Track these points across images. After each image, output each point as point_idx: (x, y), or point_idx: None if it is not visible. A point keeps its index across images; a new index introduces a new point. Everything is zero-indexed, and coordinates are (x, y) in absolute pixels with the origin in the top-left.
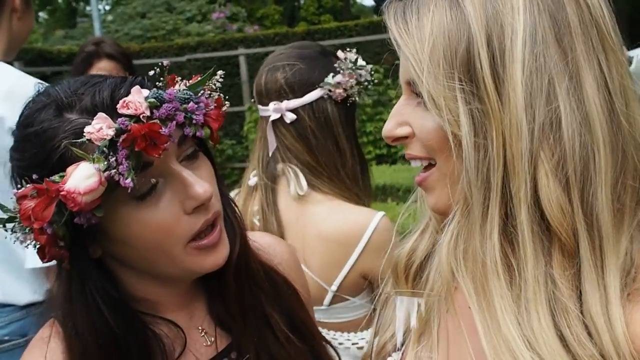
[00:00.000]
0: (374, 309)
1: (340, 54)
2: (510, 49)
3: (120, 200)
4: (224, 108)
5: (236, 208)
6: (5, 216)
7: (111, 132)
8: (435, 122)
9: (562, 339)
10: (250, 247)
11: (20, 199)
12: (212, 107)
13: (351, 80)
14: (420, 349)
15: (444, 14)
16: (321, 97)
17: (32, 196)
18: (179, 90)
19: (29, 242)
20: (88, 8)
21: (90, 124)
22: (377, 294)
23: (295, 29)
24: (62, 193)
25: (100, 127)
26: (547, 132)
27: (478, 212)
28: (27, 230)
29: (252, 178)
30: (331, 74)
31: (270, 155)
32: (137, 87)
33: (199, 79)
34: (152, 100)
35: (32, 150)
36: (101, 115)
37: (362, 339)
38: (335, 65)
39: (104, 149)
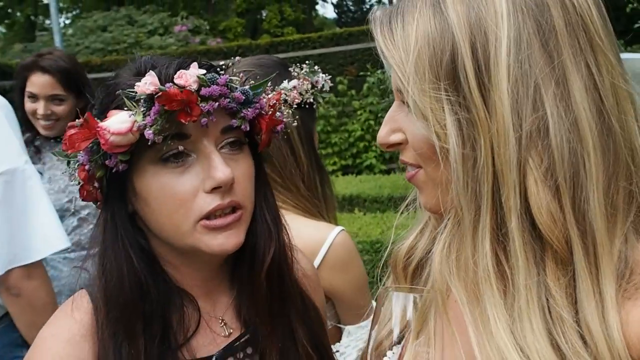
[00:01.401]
0: (374, 306)
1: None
2: (495, 56)
3: (150, 158)
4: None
5: (283, 219)
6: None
7: (152, 88)
8: (425, 131)
9: (555, 347)
10: (289, 261)
11: (69, 128)
12: (269, 111)
13: (306, 84)
14: (418, 344)
15: (428, 23)
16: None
17: (77, 127)
18: (231, 80)
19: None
20: (47, 22)
21: (133, 90)
22: (377, 288)
23: (259, 41)
24: (97, 128)
25: (146, 82)
26: (535, 139)
27: (469, 221)
28: (76, 166)
29: None
30: (286, 80)
31: None
32: (196, 63)
33: (262, 81)
34: (203, 77)
35: (105, 98)
36: (152, 73)
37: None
38: (290, 69)
39: (142, 99)
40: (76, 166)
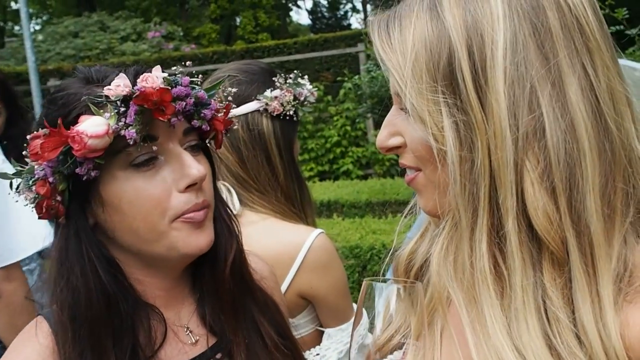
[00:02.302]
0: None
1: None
2: (491, 58)
3: (120, 164)
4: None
5: (232, 214)
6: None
7: (127, 90)
8: (423, 133)
9: (551, 348)
10: (245, 254)
11: (32, 139)
12: (221, 112)
13: (288, 95)
14: (417, 344)
15: (425, 26)
16: (257, 110)
17: (45, 135)
18: (192, 81)
19: (30, 196)
20: (17, 28)
21: (101, 96)
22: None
23: (234, 47)
24: (71, 134)
25: (118, 84)
26: (532, 141)
27: (466, 223)
28: (30, 183)
29: None
30: (270, 89)
31: None
32: (158, 66)
33: (214, 84)
34: (168, 78)
35: (55, 110)
36: (122, 75)
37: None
38: (275, 79)
39: (117, 102)
40: (31, 182)
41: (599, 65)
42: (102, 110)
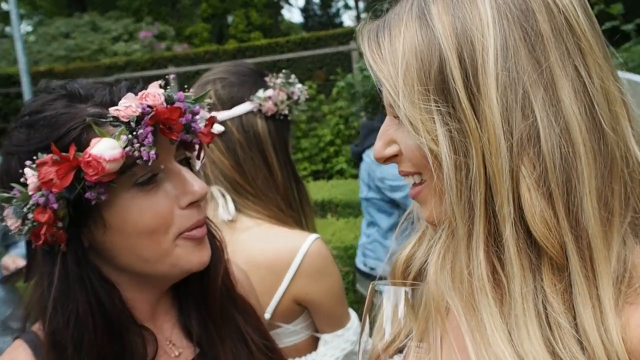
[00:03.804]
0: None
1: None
2: (482, 65)
3: (123, 185)
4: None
5: (215, 226)
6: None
7: (140, 110)
8: (417, 142)
9: (553, 354)
10: (230, 265)
11: (40, 165)
12: (203, 124)
13: (282, 95)
14: (419, 351)
15: (414, 35)
16: (251, 111)
17: (55, 162)
18: (187, 96)
19: (24, 225)
20: (7, 29)
21: (105, 114)
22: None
23: (226, 46)
24: (86, 159)
25: (129, 105)
26: (526, 146)
27: (463, 230)
28: (26, 210)
29: None
30: (262, 89)
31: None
32: (156, 83)
33: (200, 94)
34: (168, 95)
35: (41, 134)
36: (130, 95)
37: None
38: (267, 79)
39: (132, 124)
40: (25, 210)
41: (592, 66)
42: (105, 131)
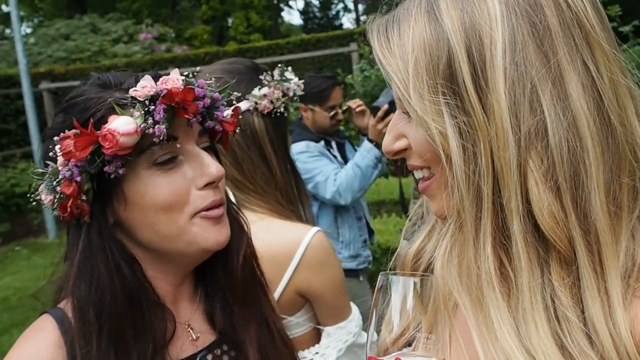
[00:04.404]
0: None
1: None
2: (491, 59)
3: (144, 163)
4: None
5: (240, 211)
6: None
7: (155, 89)
8: (426, 136)
9: (562, 348)
10: (254, 249)
11: (63, 139)
12: (229, 114)
13: (277, 92)
14: (428, 343)
15: (423, 29)
16: (247, 110)
17: (75, 135)
18: (208, 84)
19: (49, 198)
20: (8, 30)
21: (126, 97)
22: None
23: (226, 48)
24: (103, 132)
25: (145, 85)
26: (534, 140)
27: (471, 224)
28: (55, 183)
29: None
30: (257, 87)
31: None
32: (176, 69)
33: (224, 87)
34: (188, 79)
35: (76, 113)
36: (147, 77)
37: (304, 358)
38: (261, 77)
39: (146, 101)
40: (55, 183)
41: (600, 60)
42: (126, 112)
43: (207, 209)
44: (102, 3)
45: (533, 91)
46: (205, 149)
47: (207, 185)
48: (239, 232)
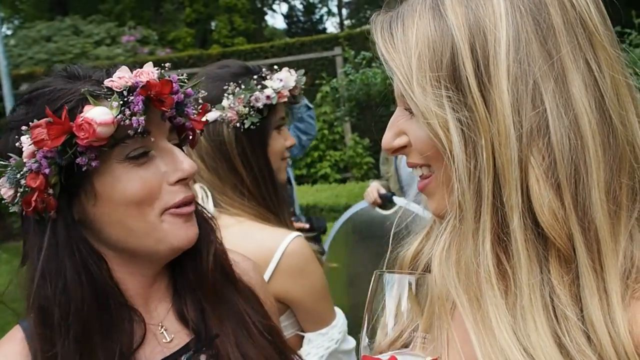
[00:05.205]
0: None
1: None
2: (494, 56)
3: (116, 156)
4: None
5: (206, 210)
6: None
7: (132, 80)
8: (427, 132)
9: (560, 346)
10: (224, 246)
11: (34, 127)
12: (196, 112)
13: (238, 105)
14: (430, 342)
15: (427, 25)
16: (217, 120)
17: (48, 124)
18: (180, 79)
19: (17, 193)
20: None
21: (100, 88)
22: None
23: (210, 51)
24: (78, 122)
25: (123, 76)
26: (536, 137)
27: (470, 220)
28: (19, 176)
29: None
30: (225, 98)
31: None
32: (150, 63)
33: (194, 83)
34: (162, 73)
35: (39, 108)
36: (124, 67)
37: None
38: (226, 86)
39: (124, 92)
40: (19, 176)
41: (603, 59)
42: (100, 103)
43: (177, 206)
44: (84, 5)
45: (535, 88)
46: (174, 145)
47: (179, 181)
48: (207, 231)
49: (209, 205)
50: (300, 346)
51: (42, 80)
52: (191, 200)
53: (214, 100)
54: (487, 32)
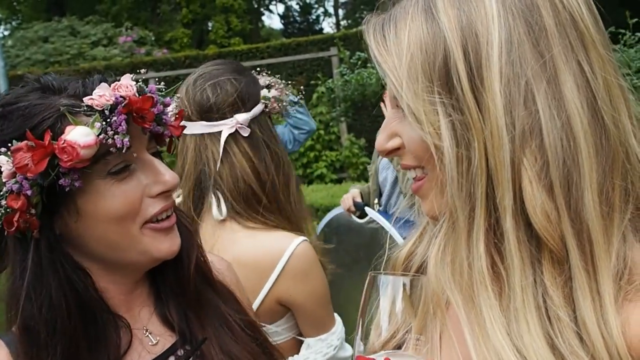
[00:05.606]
0: None
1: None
2: (487, 58)
3: (97, 173)
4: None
5: (187, 216)
6: None
7: (113, 98)
8: (420, 134)
9: (553, 347)
10: (204, 251)
11: (15, 151)
12: (174, 118)
13: (283, 95)
14: (422, 344)
15: (420, 28)
16: (262, 111)
17: (30, 147)
18: (158, 88)
19: None
20: None
21: (80, 105)
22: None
23: (206, 51)
24: (61, 145)
25: (103, 94)
26: (529, 139)
27: (463, 222)
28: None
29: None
30: (266, 89)
31: (202, 177)
32: (128, 75)
33: (167, 90)
34: (140, 85)
35: (15, 124)
36: (104, 85)
37: None
38: (269, 80)
39: (106, 112)
40: None
41: (595, 61)
42: (78, 120)
43: (158, 216)
44: (81, 6)
45: (528, 90)
46: (154, 154)
47: (161, 193)
48: (188, 237)
49: (221, 207)
50: (297, 350)
51: (15, 92)
52: (170, 206)
53: (259, 94)
54: (480, 34)
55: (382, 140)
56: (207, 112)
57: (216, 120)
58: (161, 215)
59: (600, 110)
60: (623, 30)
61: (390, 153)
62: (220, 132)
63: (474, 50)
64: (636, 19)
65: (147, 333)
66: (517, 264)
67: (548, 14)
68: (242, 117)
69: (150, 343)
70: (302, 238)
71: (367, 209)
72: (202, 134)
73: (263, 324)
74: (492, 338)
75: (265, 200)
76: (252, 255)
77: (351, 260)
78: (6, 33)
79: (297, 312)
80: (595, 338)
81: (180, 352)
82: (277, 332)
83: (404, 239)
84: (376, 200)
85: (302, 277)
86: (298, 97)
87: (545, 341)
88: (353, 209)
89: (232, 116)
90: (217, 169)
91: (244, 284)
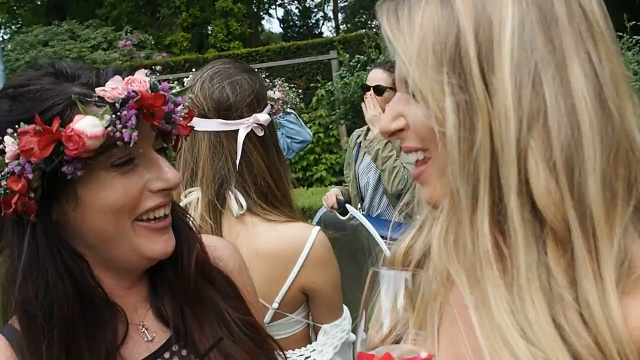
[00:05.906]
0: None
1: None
2: (499, 41)
3: (100, 164)
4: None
5: (187, 212)
6: None
7: (126, 92)
8: (425, 113)
9: (558, 327)
10: (206, 249)
11: (21, 134)
12: (182, 117)
13: (284, 97)
14: (422, 336)
15: (434, 10)
16: (269, 112)
17: (37, 132)
18: (171, 87)
19: None
20: None
21: (91, 95)
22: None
23: (206, 55)
24: (69, 133)
25: (116, 87)
26: (535, 121)
27: (466, 202)
28: (0, 177)
29: (186, 197)
30: (270, 90)
31: (222, 174)
32: (142, 70)
33: (184, 89)
34: (154, 82)
35: (25, 106)
36: (117, 78)
37: (301, 355)
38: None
39: (117, 105)
40: (0, 177)
41: (603, 52)
42: (89, 110)
43: (154, 214)
44: (81, 10)
45: (536, 74)
46: (158, 150)
47: (162, 190)
48: (189, 235)
49: (240, 202)
50: (308, 339)
51: (28, 75)
52: (167, 205)
53: (267, 98)
54: (493, 18)
55: (387, 120)
56: (226, 110)
57: (234, 119)
58: (158, 214)
59: (607, 99)
60: (621, 33)
61: (393, 134)
62: (236, 131)
63: (487, 32)
64: (634, 22)
65: (144, 328)
66: (521, 242)
67: (560, 4)
68: (262, 117)
69: (146, 339)
70: (317, 228)
71: (347, 206)
72: (218, 132)
73: (287, 314)
74: (497, 316)
75: (279, 195)
76: (276, 246)
77: (337, 257)
78: (6, 37)
79: (317, 299)
80: (599, 319)
81: (175, 348)
82: (298, 321)
83: (386, 238)
84: (359, 205)
85: (323, 264)
86: (294, 103)
87: (551, 320)
88: (336, 206)
89: (249, 115)
90: (237, 167)
91: (268, 274)
